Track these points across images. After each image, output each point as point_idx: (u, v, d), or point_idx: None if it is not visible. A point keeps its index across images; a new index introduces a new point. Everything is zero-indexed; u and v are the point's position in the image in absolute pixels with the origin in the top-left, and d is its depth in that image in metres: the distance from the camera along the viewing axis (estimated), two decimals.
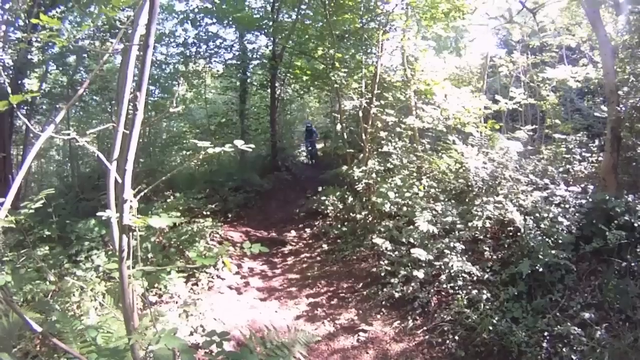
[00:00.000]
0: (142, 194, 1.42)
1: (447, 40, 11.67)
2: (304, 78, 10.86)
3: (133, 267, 1.48)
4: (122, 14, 7.95)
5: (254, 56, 12.01)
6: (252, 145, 1.40)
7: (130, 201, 1.38)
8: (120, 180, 1.47)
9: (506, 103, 6.92)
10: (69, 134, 1.84)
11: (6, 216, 1.61)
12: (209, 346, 1.74)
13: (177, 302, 4.13)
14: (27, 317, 1.60)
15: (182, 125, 12.79)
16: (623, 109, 5.27)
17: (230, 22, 10.31)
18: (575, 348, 3.35)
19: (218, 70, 12.24)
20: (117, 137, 1.70)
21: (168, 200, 6.74)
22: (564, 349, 3.37)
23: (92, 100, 10.07)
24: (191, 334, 3.79)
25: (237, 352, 2.05)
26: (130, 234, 1.47)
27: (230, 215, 8.41)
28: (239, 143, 1.39)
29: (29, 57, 7.68)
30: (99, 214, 1.64)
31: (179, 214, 5.99)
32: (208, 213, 7.22)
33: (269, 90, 12.00)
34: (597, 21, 5.38)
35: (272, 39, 10.76)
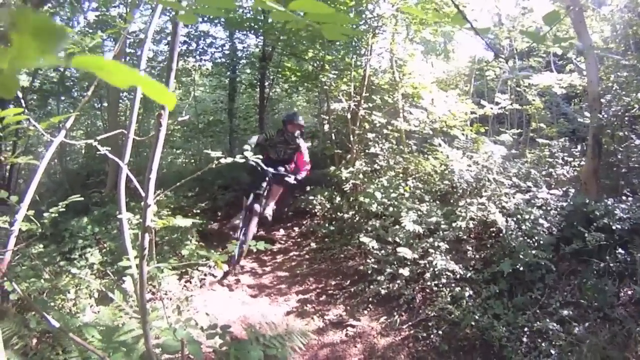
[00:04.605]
0: (157, 197, 1.53)
1: (435, 44, 11.81)
2: (293, 78, 10.90)
3: (148, 265, 1.59)
4: (114, 10, 7.99)
5: (243, 55, 12.00)
6: (260, 156, 1.51)
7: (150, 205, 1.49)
8: (136, 182, 1.59)
9: (491, 108, 7.09)
10: (82, 139, 1.94)
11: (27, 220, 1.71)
12: (212, 337, 1.86)
13: (170, 299, 4.22)
14: (46, 315, 1.70)
15: (170, 123, 12.70)
16: (605, 116, 5.40)
17: (222, 22, 10.31)
18: (554, 343, 3.54)
19: (207, 69, 12.20)
20: (128, 143, 1.81)
21: (158, 198, 6.78)
22: (543, 344, 3.56)
23: (81, 97, 10.04)
24: (184, 329, 3.89)
25: (240, 342, 2.16)
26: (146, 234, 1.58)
27: (219, 214, 8.47)
28: (249, 155, 1.50)
29: None
30: (120, 215, 1.75)
31: (169, 211, 6.03)
32: (198, 211, 7.29)
33: (257, 90, 12.00)
34: (582, 30, 5.53)
35: (262, 39, 10.78)
